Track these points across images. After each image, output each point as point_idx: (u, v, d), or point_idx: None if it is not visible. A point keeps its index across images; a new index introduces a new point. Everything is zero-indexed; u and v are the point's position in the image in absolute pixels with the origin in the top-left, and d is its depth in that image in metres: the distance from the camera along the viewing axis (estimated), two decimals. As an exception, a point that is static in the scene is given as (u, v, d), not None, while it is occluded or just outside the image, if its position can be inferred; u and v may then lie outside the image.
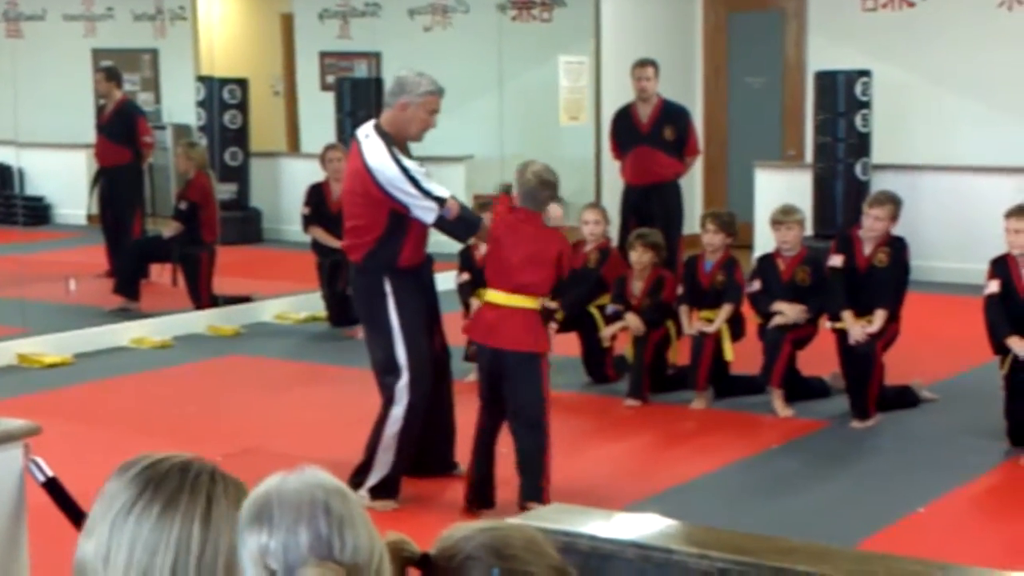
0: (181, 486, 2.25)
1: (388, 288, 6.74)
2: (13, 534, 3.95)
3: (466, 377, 9.03)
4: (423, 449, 7.06)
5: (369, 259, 6.79)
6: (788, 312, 8.40)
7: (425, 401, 6.77)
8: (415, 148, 7.04)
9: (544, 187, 6.61)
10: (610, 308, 8.91)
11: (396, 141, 6.72)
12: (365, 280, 6.86)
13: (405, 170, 6.61)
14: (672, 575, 2.96)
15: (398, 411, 6.72)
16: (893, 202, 8.40)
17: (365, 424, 7.02)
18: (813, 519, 6.53)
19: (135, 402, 8.97)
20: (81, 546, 2.27)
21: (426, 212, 6.63)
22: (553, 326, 8.83)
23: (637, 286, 8.93)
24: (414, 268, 6.84)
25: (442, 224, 6.69)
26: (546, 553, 2.28)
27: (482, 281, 9.22)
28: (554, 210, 6.97)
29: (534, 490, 6.47)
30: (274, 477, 2.14)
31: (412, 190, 6.60)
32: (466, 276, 9.24)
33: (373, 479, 6.75)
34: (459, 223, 6.77)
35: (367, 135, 6.71)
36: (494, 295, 6.67)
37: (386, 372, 6.78)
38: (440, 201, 6.64)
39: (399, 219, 6.68)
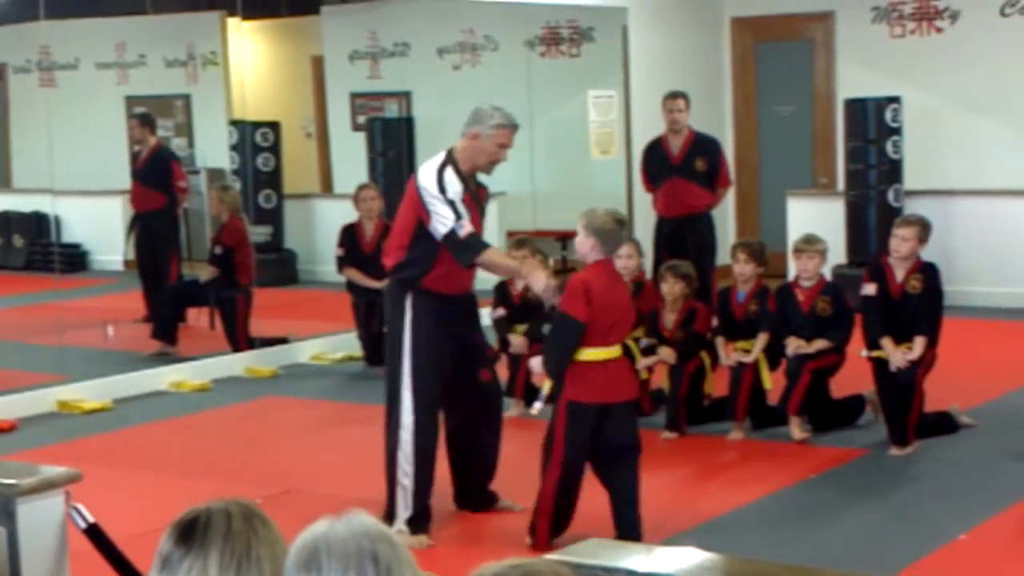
0: (217, 534, 2.30)
1: (408, 306, 6.82)
2: (56, 580, 3.99)
3: (505, 412, 9.07)
4: (462, 481, 7.13)
5: (397, 269, 6.90)
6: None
7: (433, 427, 6.85)
8: None
9: (620, 225, 6.57)
10: (644, 342, 8.92)
11: (462, 169, 6.83)
12: (391, 291, 6.99)
13: (441, 179, 6.73)
14: (710, 608, 2.97)
15: (405, 435, 6.78)
16: (920, 223, 8.39)
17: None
18: (853, 549, 6.50)
19: (175, 446, 9.02)
20: None
21: (442, 222, 6.69)
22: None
23: (670, 318, 8.94)
24: (443, 296, 6.86)
25: (450, 238, 6.70)
26: None
27: (518, 317, 9.29)
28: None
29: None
30: (321, 524, 2.17)
31: (438, 195, 6.69)
32: (502, 311, 9.32)
33: (402, 509, 6.74)
34: (465, 243, 6.72)
35: (436, 153, 6.87)
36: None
37: (391, 391, 6.88)
38: (459, 216, 6.68)
39: (427, 233, 6.75)
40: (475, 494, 7.24)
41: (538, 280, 6.90)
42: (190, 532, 2.34)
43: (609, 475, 6.55)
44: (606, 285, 6.43)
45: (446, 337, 6.90)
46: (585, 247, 6.47)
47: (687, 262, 9.32)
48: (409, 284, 6.84)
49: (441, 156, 6.87)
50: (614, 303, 6.42)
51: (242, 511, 2.38)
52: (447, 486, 7.20)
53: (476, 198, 6.97)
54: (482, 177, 7.11)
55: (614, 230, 6.44)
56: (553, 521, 6.50)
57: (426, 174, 6.78)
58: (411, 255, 6.82)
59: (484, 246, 6.85)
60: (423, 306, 6.82)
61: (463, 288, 6.99)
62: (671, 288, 8.91)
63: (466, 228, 6.70)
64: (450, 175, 6.76)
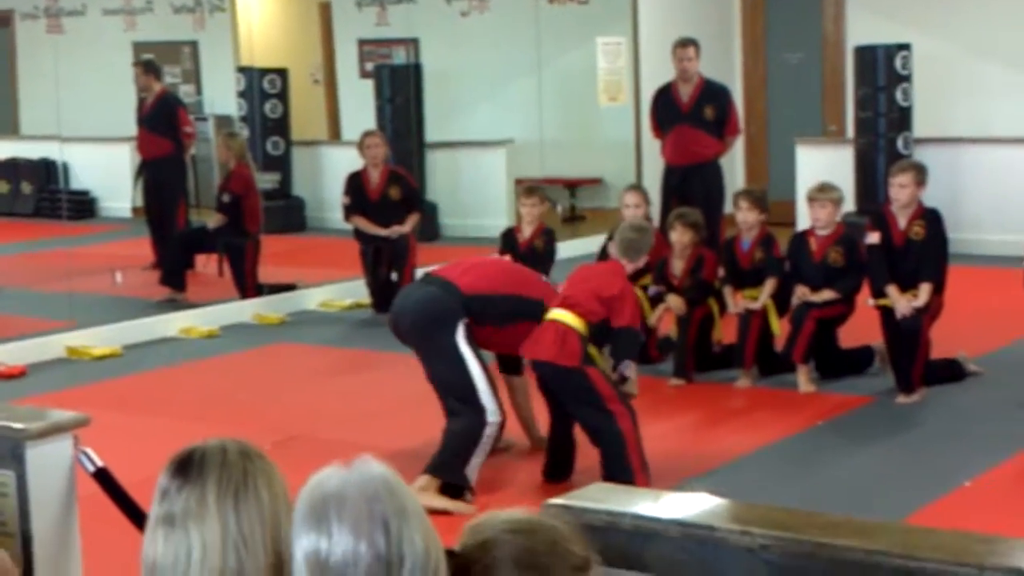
0: (213, 465, 2.34)
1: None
2: (64, 523, 4.01)
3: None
4: None
5: None
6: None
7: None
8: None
9: (636, 231, 7.17)
10: (652, 290, 8.92)
11: None
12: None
13: None
14: (714, 552, 2.97)
15: (492, 419, 6.61)
16: (915, 168, 8.37)
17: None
18: (858, 495, 6.53)
19: (183, 392, 9.05)
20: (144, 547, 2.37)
21: None
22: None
23: (678, 266, 8.93)
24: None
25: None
26: (569, 552, 2.31)
27: (522, 264, 9.29)
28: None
29: (626, 473, 6.54)
30: (332, 476, 2.18)
31: None
32: (508, 258, 9.30)
33: (471, 476, 6.62)
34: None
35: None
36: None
37: (464, 379, 6.69)
38: None
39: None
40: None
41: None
42: (187, 464, 2.37)
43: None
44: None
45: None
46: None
47: (695, 210, 9.30)
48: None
49: None
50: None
51: (238, 446, 2.41)
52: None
53: None
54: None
55: (633, 240, 7.14)
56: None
57: None
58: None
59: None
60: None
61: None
62: (680, 237, 8.90)
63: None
64: None
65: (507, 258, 9.22)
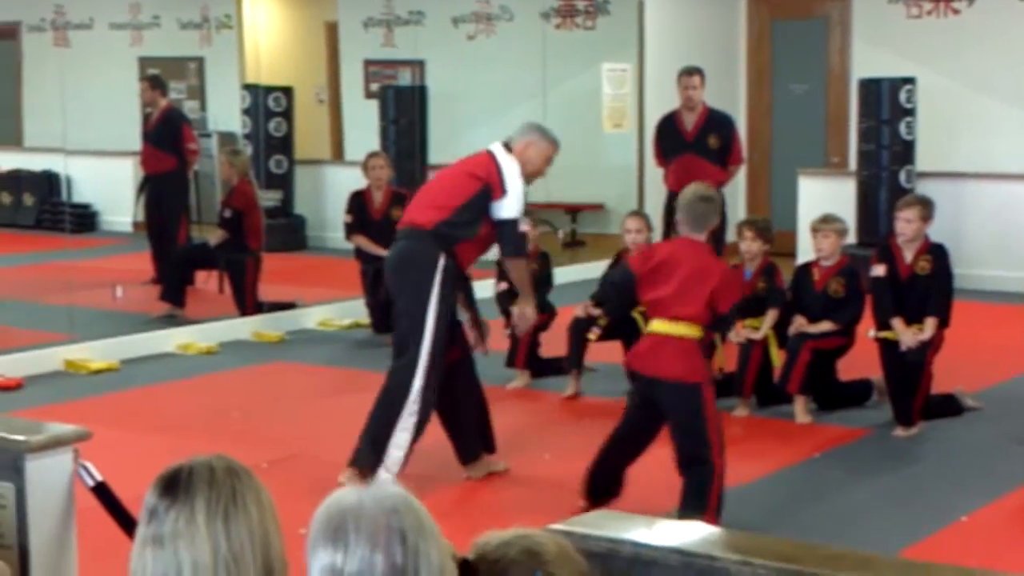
0: (201, 483, 2.33)
1: (441, 265, 6.97)
2: (63, 537, 4.01)
3: (509, 384, 9.15)
4: (457, 433, 7.31)
5: (441, 226, 7.03)
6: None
7: (437, 383, 6.97)
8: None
9: (702, 202, 6.55)
10: None
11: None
12: (422, 247, 7.04)
13: (518, 174, 7.17)
14: (714, 581, 2.97)
15: (415, 393, 6.90)
16: (922, 203, 8.37)
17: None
18: (856, 527, 6.52)
19: (181, 408, 9.04)
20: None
21: (512, 207, 7.07)
22: (596, 332, 8.90)
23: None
24: (458, 266, 7.11)
25: (511, 225, 7.09)
26: (575, 560, 2.33)
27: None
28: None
29: (701, 513, 6.20)
30: (349, 494, 2.18)
31: (517, 185, 7.10)
32: (504, 285, 9.33)
33: (394, 454, 6.86)
34: (519, 238, 7.18)
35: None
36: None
37: (404, 344, 7.02)
38: (521, 215, 7.16)
39: (481, 206, 7.04)
40: (471, 438, 7.32)
41: (528, 308, 7.52)
42: (174, 483, 2.36)
43: (675, 449, 6.54)
44: (671, 257, 6.50)
45: (452, 304, 7.12)
46: (681, 226, 6.63)
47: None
48: (446, 244, 7.01)
49: (508, 153, 7.20)
50: (671, 278, 6.42)
51: (224, 464, 2.41)
52: (450, 453, 7.26)
53: None
54: None
55: (696, 207, 6.53)
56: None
57: (508, 160, 7.15)
58: (459, 218, 7.03)
59: (525, 251, 7.40)
60: (451, 270, 7.02)
61: (469, 265, 7.25)
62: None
63: (524, 226, 7.19)
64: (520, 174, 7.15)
65: (504, 285, 9.24)
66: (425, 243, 7.04)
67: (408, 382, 6.93)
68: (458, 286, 7.14)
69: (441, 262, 6.96)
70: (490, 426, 7.41)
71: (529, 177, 7.26)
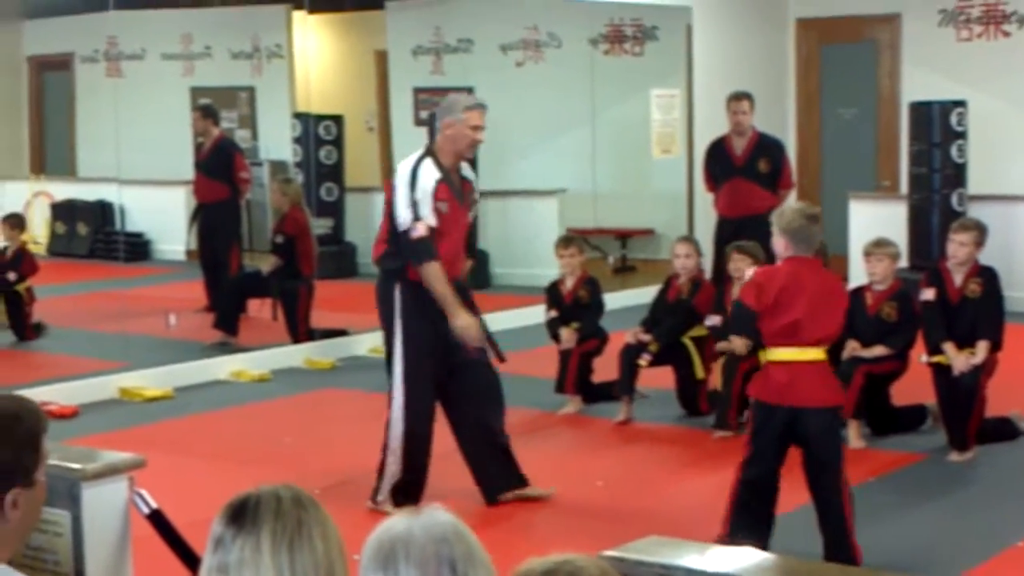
0: (268, 513, 2.34)
1: (396, 296, 7.00)
2: (118, 564, 4.03)
3: (560, 410, 9.15)
4: (480, 469, 7.23)
5: (382, 260, 7.10)
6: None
7: (424, 413, 7.04)
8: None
9: (809, 220, 6.25)
10: (709, 320, 8.88)
11: (444, 162, 7.04)
12: (380, 282, 7.15)
13: (415, 173, 6.92)
14: (767, 607, 2.97)
15: (396, 419, 7.04)
16: (978, 228, 8.34)
17: (457, 455, 7.10)
18: (911, 552, 6.48)
19: (235, 435, 9.09)
20: None
21: (400, 220, 6.91)
22: (647, 358, 8.90)
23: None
24: (422, 292, 6.97)
25: (403, 236, 6.90)
26: None
27: (570, 316, 9.28)
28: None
29: (847, 551, 6.13)
30: (399, 522, 2.19)
31: (406, 191, 6.89)
32: (554, 313, 9.35)
33: (386, 485, 7.01)
34: (413, 246, 6.89)
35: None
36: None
37: (389, 378, 7.15)
38: (416, 217, 6.85)
39: (395, 226, 6.97)
40: (498, 477, 7.23)
41: (458, 320, 6.94)
42: (241, 512, 2.38)
43: (812, 487, 6.40)
44: (792, 281, 6.17)
45: (436, 324, 6.98)
46: (779, 247, 6.27)
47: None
48: (396, 274, 7.01)
49: (420, 151, 7.06)
50: (797, 301, 6.14)
51: (291, 494, 2.42)
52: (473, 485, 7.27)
53: (459, 193, 7.10)
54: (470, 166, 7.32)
55: (803, 226, 6.21)
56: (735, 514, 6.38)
57: (403, 166, 7.00)
58: (392, 246, 6.99)
59: (430, 256, 6.89)
60: (411, 296, 6.97)
61: (452, 277, 7.03)
62: (737, 265, 8.78)
63: (419, 231, 6.83)
64: (427, 167, 6.93)
65: (554, 312, 9.29)
66: (380, 278, 7.16)
67: (389, 416, 7.08)
68: (434, 305, 6.95)
69: (396, 293, 6.99)
70: (511, 458, 7.28)
71: (467, 151, 7.17)
